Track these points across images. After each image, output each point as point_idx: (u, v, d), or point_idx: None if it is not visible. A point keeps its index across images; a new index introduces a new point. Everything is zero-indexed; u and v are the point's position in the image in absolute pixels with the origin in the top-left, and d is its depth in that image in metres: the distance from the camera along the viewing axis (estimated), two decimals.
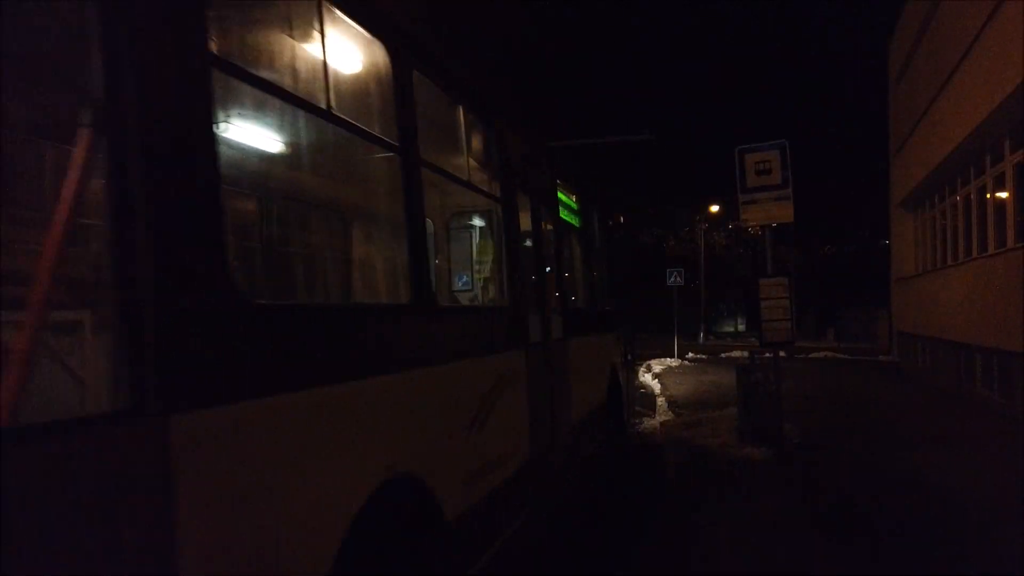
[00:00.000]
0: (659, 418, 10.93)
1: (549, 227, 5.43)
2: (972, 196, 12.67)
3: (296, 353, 2.20)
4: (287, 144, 3.65)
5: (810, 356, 22.64)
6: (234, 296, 1.95)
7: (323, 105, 2.59)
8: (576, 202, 6.68)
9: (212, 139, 1.94)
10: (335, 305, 3.65)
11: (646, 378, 17.16)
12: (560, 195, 5.88)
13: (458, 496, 3.30)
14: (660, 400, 12.92)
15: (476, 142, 4.18)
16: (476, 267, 4.73)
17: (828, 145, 38.83)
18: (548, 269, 5.24)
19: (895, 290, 20.27)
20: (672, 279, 23.97)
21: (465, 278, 5.29)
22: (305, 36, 2.77)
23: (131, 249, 1.62)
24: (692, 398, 12.33)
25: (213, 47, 1.96)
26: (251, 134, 3.27)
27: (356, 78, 3.07)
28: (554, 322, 5.20)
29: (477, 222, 4.77)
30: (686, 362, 21.59)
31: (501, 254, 4.44)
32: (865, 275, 35.95)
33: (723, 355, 23.90)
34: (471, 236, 4.76)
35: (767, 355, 8.64)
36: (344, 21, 2.78)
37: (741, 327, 42.44)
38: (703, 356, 24.00)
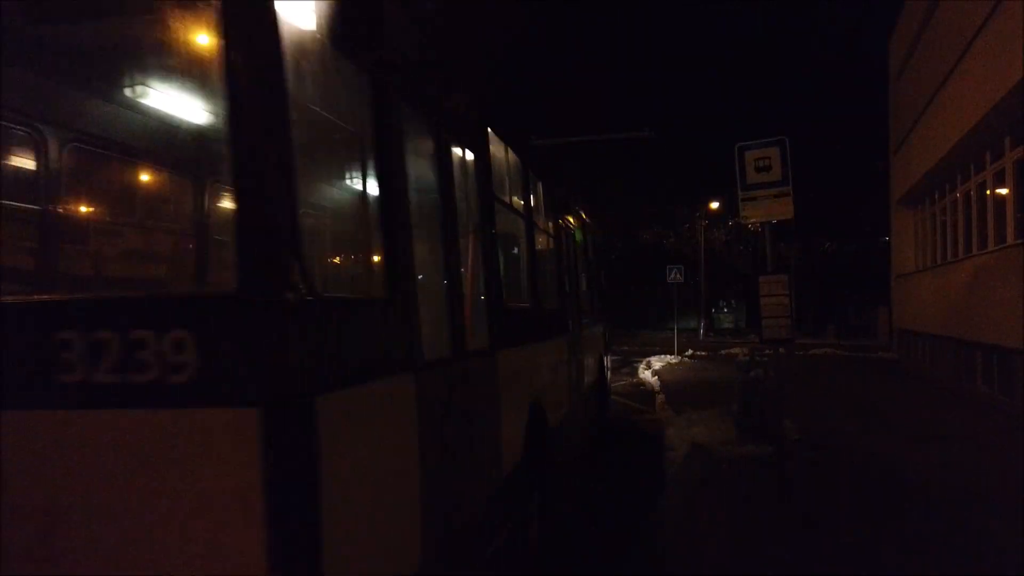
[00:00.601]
0: (659, 415, 10.95)
1: (573, 249, 7.81)
2: (972, 193, 12.67)
3: (516, 328, 4.74)
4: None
5: (810, 353, 22.66)
6: (504, 303, 4.51)
7: (507, 201, 5.10)
8: (578, 226, 8.83)
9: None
10: (519, 306, 5.75)
11: (646, 375, 17.16)
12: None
13: (551, 419, 5.59)
14: (660, 397, 12.92)
15: (548, 203, 6.74)
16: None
17: (829, 142, 38.77)
18: (572, 280, 7.48)
19: (895, 287, 20.28)
20: (672, 276, 24.00)
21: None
22: (501, 168, 4.96)
23: (490, 289, 4.23)
24: (693, 395, 12.33)
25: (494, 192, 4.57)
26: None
27: (514, 182, 5.44)
28: (576, 318, 7.50)
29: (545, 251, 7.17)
30: (686, 359, 21.59)
31: (554, 272, 6.86)
32: (865, 272, 35.95)
33: (723, 352, 23.91)
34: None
35: (767, 352, 8.64)
36: (512, 154, 5.28)
37: (742, 324, 42.46)
38: (703, 353, 24.00)
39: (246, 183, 1.97)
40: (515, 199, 5.48)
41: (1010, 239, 10.54)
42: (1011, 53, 9.36)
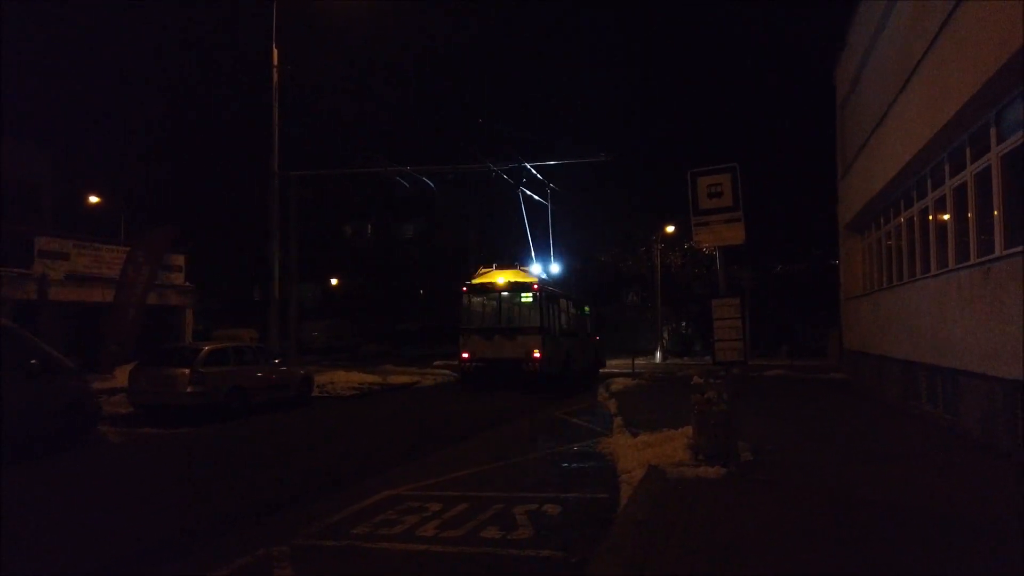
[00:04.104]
0: (616, 437, 11.00)
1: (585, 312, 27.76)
2: (915, 219, 13.10)
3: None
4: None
5: (764, 374, 23.04)
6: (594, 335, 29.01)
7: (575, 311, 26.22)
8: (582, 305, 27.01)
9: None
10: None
11: (604, 397, 17.24)
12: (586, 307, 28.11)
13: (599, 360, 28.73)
14: (617, 420, 12.98)
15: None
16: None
17: (782, 165, 39.83)
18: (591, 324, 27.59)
19: (844, 309, 20.79)
20: (630, 299, 24.32)
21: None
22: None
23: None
24: (649, 417, 12.43)
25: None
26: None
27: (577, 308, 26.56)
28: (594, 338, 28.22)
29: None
30: (643, 381, 21.76)
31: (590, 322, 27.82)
32: (817, 294, 36.79)
33: (679, 374, 24.15)
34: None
35: (721, 374, 8.78)
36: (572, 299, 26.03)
37: (698, 346, 42.99)
38: (660, 375, 24.21)
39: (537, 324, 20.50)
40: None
41: (951, 264, 10.92)
42: (947, 86, 9.77)
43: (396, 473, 8.91)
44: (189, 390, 14.03)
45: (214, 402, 14.37)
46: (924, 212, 12.54)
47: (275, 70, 21.46)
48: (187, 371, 14.12)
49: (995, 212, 9.16)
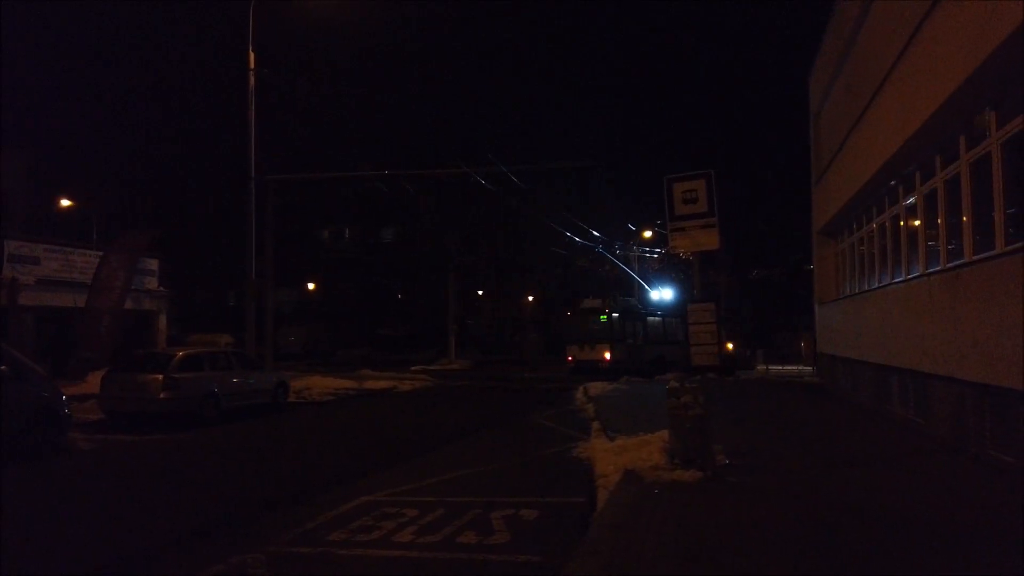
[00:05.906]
0: (593, 441, 11.03)
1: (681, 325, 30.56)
2: (887, 225, 13.30)
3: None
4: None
5: (739, 378, 23.23)
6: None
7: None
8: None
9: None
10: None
11: (582, 402, 17.26)
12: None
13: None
14: (595, 424, 13.03)
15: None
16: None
17: (758, 171, 40.28)
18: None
19: (818, 313, 21.03)
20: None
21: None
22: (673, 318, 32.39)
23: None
24: (626, 421, 12.48)
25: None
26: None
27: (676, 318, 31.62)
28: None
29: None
30: (621, 385, 21.84)
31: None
32: (792, 298, 37.20)
33: (657, 378, 24.26)
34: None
35: (696, 378, 8.84)
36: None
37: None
38: (638, 379, 24.31)
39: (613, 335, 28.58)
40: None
41: (921, 269, 11.10)
42: (919, 93, 9.93)
43: (372, 479, 8.86)
44: (162, 396, 13.82)
45: (188, 409, 14.17)
46: (896, 218, 12.74)
47: (251, 73, 21.30)
48: (160, 377, 13.92)
49: (964, 218, 9.33)
